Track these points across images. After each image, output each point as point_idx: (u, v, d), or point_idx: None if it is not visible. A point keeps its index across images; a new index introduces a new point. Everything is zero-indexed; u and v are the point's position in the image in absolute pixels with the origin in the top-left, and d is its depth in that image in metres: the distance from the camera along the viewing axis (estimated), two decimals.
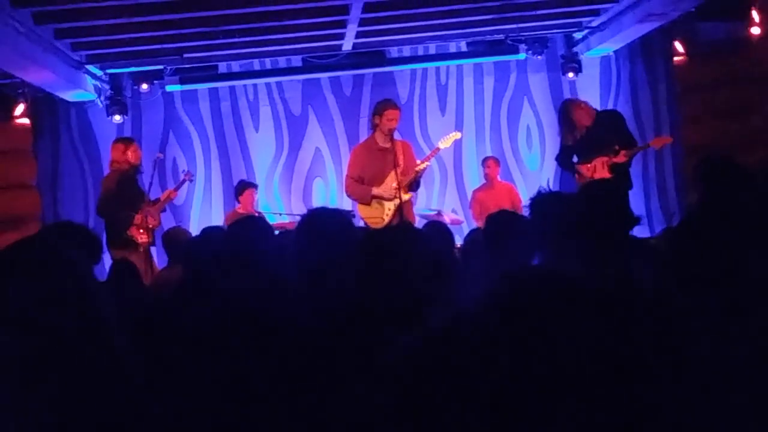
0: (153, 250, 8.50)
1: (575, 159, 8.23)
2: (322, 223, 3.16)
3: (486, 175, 9.55)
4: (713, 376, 0.68)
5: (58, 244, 2.03)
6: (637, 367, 0.67)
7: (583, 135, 8.06)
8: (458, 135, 8.72)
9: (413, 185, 7.99)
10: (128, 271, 5.09)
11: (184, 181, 9.18)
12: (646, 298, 0.63)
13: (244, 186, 9.46)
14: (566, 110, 8.27)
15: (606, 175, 7.74)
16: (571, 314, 0.68)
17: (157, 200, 8.79)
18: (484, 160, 9.67)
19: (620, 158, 7.81)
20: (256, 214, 8.84)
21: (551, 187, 3.53)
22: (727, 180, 4.16)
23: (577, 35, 10.02)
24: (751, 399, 0.65)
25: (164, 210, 9.05)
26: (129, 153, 8.57)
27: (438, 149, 8.42)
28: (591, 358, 0.66)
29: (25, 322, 1.82)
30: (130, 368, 1.89)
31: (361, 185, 7.93)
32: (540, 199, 3.37)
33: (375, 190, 7.82)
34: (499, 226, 3.79)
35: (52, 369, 1.80)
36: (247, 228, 3.81)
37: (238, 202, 9.39)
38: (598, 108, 8.93)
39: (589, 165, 7.95)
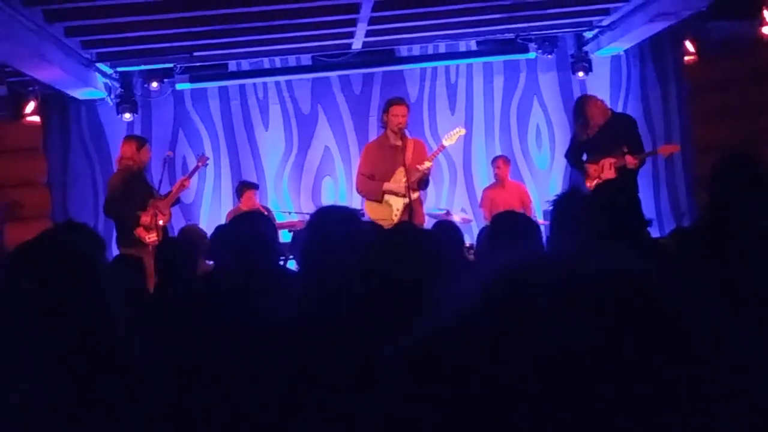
0: None
1: (584, 158, 8.21)
2: (330, 221, 3.16)
3: (496, 175, 9.53)
4: (716, 379, 0.68)
5: (73, 241, 2.04)
6: (641, 368, 0.67)
7: (595, 133, 8.04)
8: (462, 131, 8.65)
9: (422, 183, 7.94)
10: (131, 266, 5.09)
11: (198, 167, 9.11)
12: (655, 297, 0.63)
13: (244, 187, 9.44)
14: (581, 105, 8.27)
15: (612, 176, 7.73)
16: (575, 311, 0.67)
17: (168, 194, 8.77)
18: (494, 160, 9.66)
19: (629, 162, 7.78)
20: (265, 212, 8.85)
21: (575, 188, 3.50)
22: (741, 182, 4.13)
23: (588, 34, 10.00)
24: (754, 402, 0.64)
25: (178, 201, 8.98)
26: (142, 152, 8.56)
27: (443, 146, 8.36)
28: (593, 358, 0.65)
29: (41, 318, 1.83)
30: (140, 365, 1.89)
31: (372, 182, 7.91)
32: (564, 198, 3.32)
33: (386, 186, 7.79)
34: (505, 226, 3.78)
35: (66, 363, 1.81)
36: (246, 223, 3.83)
37: (239, 201, 9.41)
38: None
39: (596, 165, 7.94)
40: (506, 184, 9.47)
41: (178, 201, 8.96)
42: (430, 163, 7.90)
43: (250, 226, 3.72)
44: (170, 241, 6.09)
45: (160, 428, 1.88)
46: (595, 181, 7.83)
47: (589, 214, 3.08)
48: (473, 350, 0.66)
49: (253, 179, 10.17)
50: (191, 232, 6.40)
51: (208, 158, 9.38)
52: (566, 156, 8.76)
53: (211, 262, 4.68)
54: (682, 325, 0.68)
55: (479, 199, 9.80)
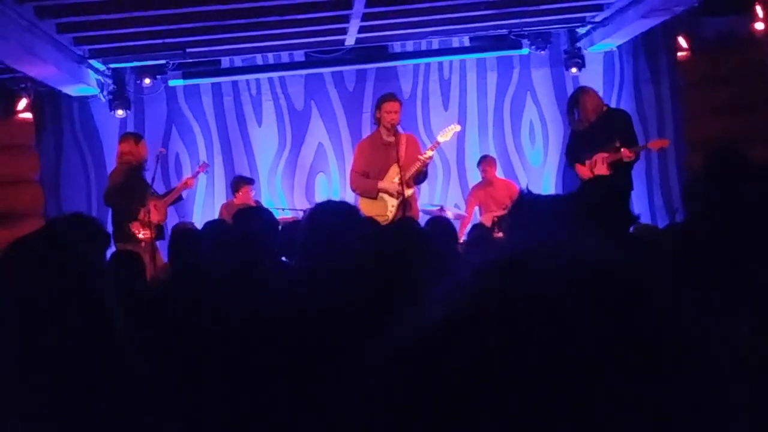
0: (161, 243, 8.47)
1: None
2: (329, 216, 3.15)
3: (483, 171, 9.55)
4: (715, 373, 0.68)
5: (68, 237, 2.03)
6: (638, 362, 0.67)
7: (590, 126, 8.03)
8: (457, 128, 8.66)
9: (420, 176, 7.93)
10: (128, 261, 5.09)
11: (198, 172, 9.21)
12: (648, 292, 0.63)
13: (241, 182, 9.47)
14: (576, 97, 8.28)
15: (604, 171, 7.72)
16: (570, 303, 0.67)
17: (167, 193, 8.81)
18: (480, 162, 9.65)
19: (625, 156, 7.74)
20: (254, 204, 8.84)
21: (531, 190, 3.45)
22: (733, 176, 4.13)
23: (581, 30, 10.00)
24: (753, 397, 0.64)
25: (180, 199, 9.02)
26: (140, 147, 8.62)
27: (438, 143, 8.35)
28: (588, 353, 0.65)
29: (33, 316, 1.83)
30: (133, 360, 1.89)
31: (366, 179, 7.90)
32: (520, 203, 3.30)
33: (381, 184, 7.78)
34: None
35: (58, 358, 1.80)
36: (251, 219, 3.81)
37: (234, 196, 9.43)
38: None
39: (589, 160, 7.94)
40: (495, 182, 9.47)
41: (180, 199, 8.99)
42: (432, 152, 7.92)
43: (245, 223, 3.71)
44: (184, 232, 6.06)
45: (165, 427, 1.87)
46: (587, 177, 7.83)
47: (573, 209, 3.07)
48: (465, 342, 0.67)
49: (247, 175, 10.17)
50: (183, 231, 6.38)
51: (208, 165, 9.47)
52: (566, 154, 8.75)
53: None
54: (665, 318, 0.68)
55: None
